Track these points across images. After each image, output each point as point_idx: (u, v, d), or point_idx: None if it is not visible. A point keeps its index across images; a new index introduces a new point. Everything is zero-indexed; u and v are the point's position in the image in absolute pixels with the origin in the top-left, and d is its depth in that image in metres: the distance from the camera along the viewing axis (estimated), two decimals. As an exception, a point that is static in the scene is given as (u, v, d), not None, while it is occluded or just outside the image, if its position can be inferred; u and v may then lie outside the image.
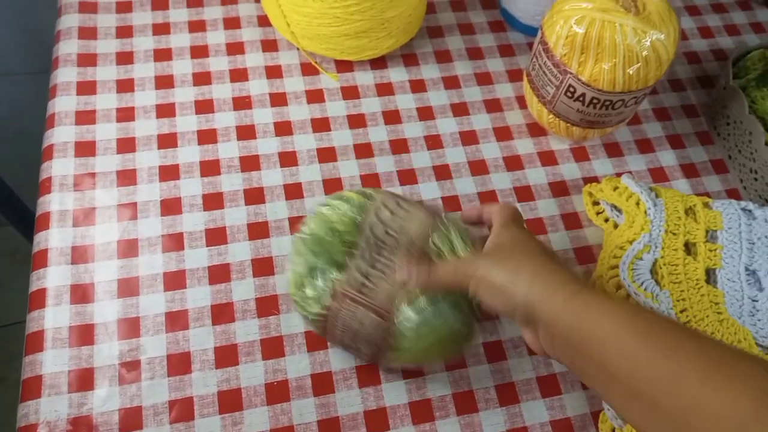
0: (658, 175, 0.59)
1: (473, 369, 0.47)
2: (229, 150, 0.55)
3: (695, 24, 0.70)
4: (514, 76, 0.63)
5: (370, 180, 0.55)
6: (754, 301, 0.47)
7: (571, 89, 0.52)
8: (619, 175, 0.57)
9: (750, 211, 0.52)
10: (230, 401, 0.45)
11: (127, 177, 0.53)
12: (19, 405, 0.44)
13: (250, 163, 0.55)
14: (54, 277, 0.48)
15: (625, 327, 0.32)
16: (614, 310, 0.33)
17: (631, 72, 0.49)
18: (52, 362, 0.45)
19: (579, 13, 0.49)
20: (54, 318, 0.46)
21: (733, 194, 0.58)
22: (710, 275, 0.49)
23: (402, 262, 0.39)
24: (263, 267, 0.50)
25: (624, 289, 0.48)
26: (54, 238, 0.50)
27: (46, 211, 0.51)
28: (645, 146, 0.60)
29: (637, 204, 0.51)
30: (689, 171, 0.59)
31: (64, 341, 0.46)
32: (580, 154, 0.59)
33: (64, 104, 0.56)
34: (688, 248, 0.50)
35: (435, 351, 0.41)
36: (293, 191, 0.54)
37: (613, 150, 0.60)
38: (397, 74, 0.62)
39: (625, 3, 0.49)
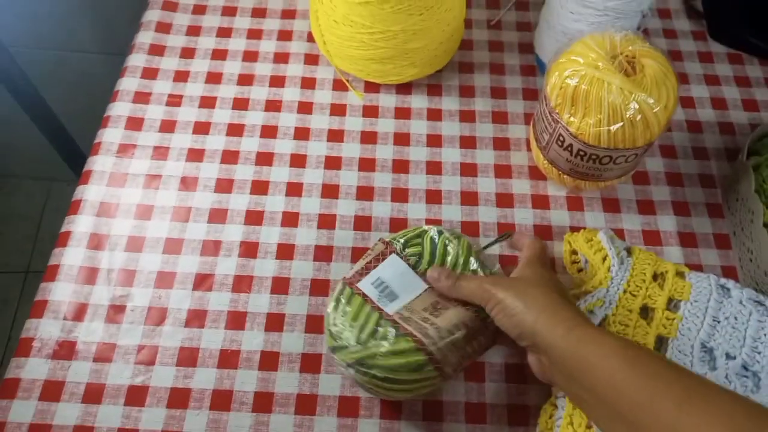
0: (651, 237, 0.58)
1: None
2: (250, 144, 0.63)
3: (740, 96, 0.68)
4: (530, 119, 0.65)
5: (365, 191, 0.60)
6: (695, 376, 0.46)
7: (561, 138, 0.54)
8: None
9: (728, 289, 0.51)
10: (188, 357, 0.51)
11: (160, 153, 0.62)
12: (26, 320, 0.53)
13: (264, 159, 0.62)
14: (80, 224, 0.57)
15: (614, 356, 0.37)
16: (607, 343, 0.38)
17: (613, 129, 0.50)
18: (60, 292, 0.54)
19: (572, 66, 0.51)
20: (70, 256, 0.55)
21: (730, 271, 0.57)
22: (662, 343, 0.49)
23: (434, 267, 0.49)
24: (249, 250, 0.56)
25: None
26: (90, 192, 0.59)
27: (89, 169, 0.61)
28: (646, 207, 0.60)
29: (603, 260, 0.52)
30: (686, 240, 0.58)
31: (72, 277, 0.54)
32: (574, 204, 0.60)
33: (127, 84, 0.66)
34: (646, 312, 0.50)
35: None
36: (294, 189, 0.60)
37: (611, 205, 0.60)
38: (418, 101, 0.66)
39: (620, 64, 0.50)
